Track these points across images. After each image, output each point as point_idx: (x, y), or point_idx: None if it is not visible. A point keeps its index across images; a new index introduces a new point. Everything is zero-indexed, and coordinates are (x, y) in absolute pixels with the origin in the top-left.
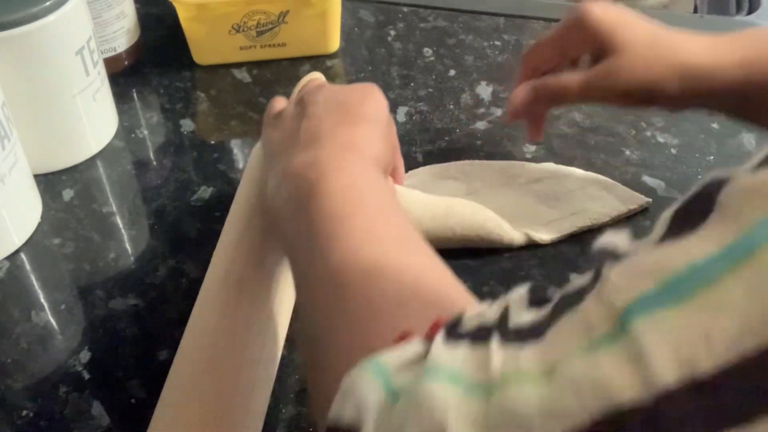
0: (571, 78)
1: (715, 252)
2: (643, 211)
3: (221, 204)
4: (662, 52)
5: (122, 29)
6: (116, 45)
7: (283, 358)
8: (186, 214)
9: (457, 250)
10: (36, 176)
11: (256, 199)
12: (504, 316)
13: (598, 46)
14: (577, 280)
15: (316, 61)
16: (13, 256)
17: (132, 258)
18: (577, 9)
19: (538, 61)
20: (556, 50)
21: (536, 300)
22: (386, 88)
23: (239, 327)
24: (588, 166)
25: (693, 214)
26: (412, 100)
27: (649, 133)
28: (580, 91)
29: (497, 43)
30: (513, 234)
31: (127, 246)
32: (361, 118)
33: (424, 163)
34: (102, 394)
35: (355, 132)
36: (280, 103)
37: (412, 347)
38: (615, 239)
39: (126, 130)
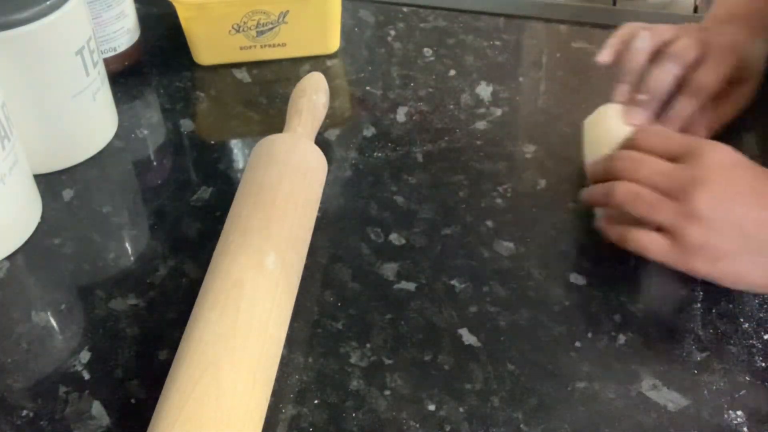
0: None
1: None
2: None
3: (221, 204)
4: None
5: (122, 29)
6: (116, 45)
7: (283, 358)
8: (186, 214)
9: (454, 250)
10: (36, 176)
11: (257, 198)
12: None
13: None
14: None
15: (316, 61)
16: (13, 256)
17: (132, 258)
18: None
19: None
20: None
21: None
22: (386, 88)
23: (239, 327)
24: None
25: None
26: (412, 100)
27: None
28: None
29: (497, 43)
30: None
31: (127, 246)
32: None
33: (424, 164)
34: (102, 394)
35: None
36: None
37: None
38: None
39: (126, 130)
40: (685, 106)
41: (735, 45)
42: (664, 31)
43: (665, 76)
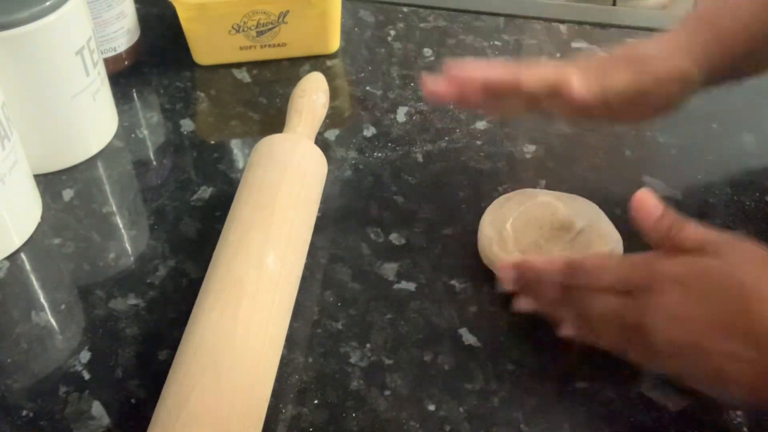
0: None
1: None
2: None
3: (221, 204)
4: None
5: (122, 29)
6: (116, 45)
7: (283, 358)
8: (186, 214)
9: (454, 250)
10: (36, 176)
11: (257, 198)
12: None
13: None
14: None
15: (316, 61)
16: (13, 256)
17: (132, 258)
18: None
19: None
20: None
21: None
22: (386, 88)
23: (239, 327)
24: (588, 166)
25: None
26: (412, 100)
27: (649, 133)
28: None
29: (497, 43)
30: None
31: (127, 246)
32: None
33: (424, 164)
34: (102, 394)
35: None
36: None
37: None
38: None
39: (126, 130)
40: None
41: (604, 70)
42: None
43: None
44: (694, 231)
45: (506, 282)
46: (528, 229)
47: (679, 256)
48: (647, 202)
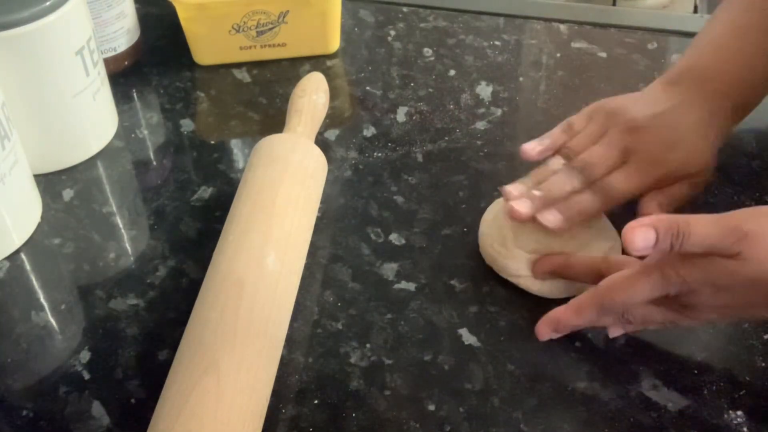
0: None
1: None
2: None
3: (221, 204)
4: None
5: (122, 29)
6: (116, 45)
7: (283, 358)
8: (186, 214)
9: (454, 250)
10: (36, 176)
11: (257, 198)
12: None
13: None
14: None
15: (316, 61)
16: (13, 256)
17: (132, 258)
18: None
19: None
20: None
21: None
22: (386, 88)
23: (239, 327)
24: None
25: None
26: (412, 100)
27: None
28: None
29: (497, 43)
30: None
31: (127, 246)
32: None
33: (424, 164)
34: (102, 394)
35: None
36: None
37: None
38: None
39: (126, 130)
40: (585, 201)
41: (661, 157)
42: (591, 133)
43: (564, 185)
44: (696, 241)
45: (542, 335)
46: (528, 227)
47: (697, 260)
48: (637, 240)
